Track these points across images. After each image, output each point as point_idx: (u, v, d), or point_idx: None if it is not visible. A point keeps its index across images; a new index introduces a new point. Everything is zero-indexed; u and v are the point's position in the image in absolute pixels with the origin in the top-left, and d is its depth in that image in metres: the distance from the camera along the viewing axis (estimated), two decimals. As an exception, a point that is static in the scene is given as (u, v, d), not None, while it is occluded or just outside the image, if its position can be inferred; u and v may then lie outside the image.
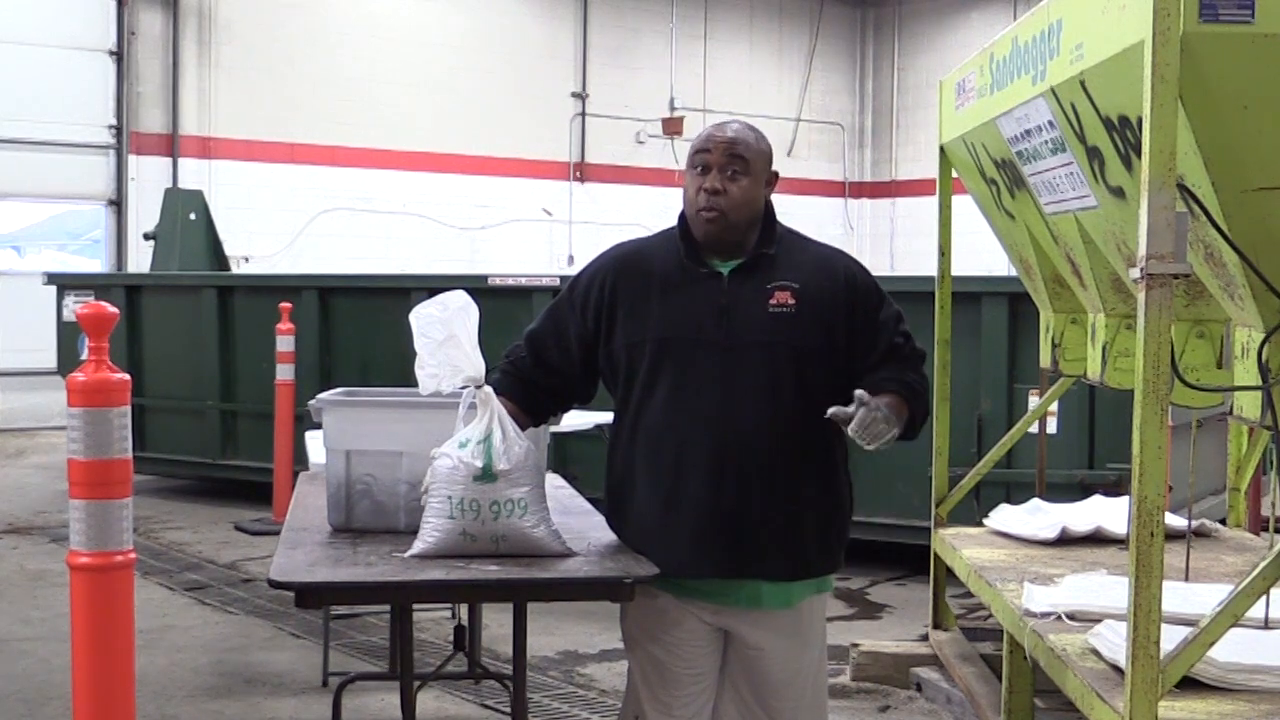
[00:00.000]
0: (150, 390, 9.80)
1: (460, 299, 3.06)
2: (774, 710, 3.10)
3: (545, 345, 3.19)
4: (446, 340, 3.02)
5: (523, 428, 3.09)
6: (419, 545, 2.97)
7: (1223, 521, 5.26)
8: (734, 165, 3.01)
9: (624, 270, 3.11)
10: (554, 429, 3.38)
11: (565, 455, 7.51)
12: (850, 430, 2.90)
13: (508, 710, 4.33)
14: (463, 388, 3.02)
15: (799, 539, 3.04)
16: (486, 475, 2.94)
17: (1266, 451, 5.34)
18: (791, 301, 2.99)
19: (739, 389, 2.97)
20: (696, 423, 2.97)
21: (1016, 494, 6.12)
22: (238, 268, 14.28)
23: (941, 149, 5.29)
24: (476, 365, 3.02)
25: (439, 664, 4.66)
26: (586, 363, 3.16)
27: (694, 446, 2.97)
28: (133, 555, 2.88)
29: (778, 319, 2.98)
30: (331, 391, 3.58)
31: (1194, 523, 4.71)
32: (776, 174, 3.12)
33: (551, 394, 3.20)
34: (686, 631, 3.07)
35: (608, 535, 3.18)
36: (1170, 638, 2.89)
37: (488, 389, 3.03)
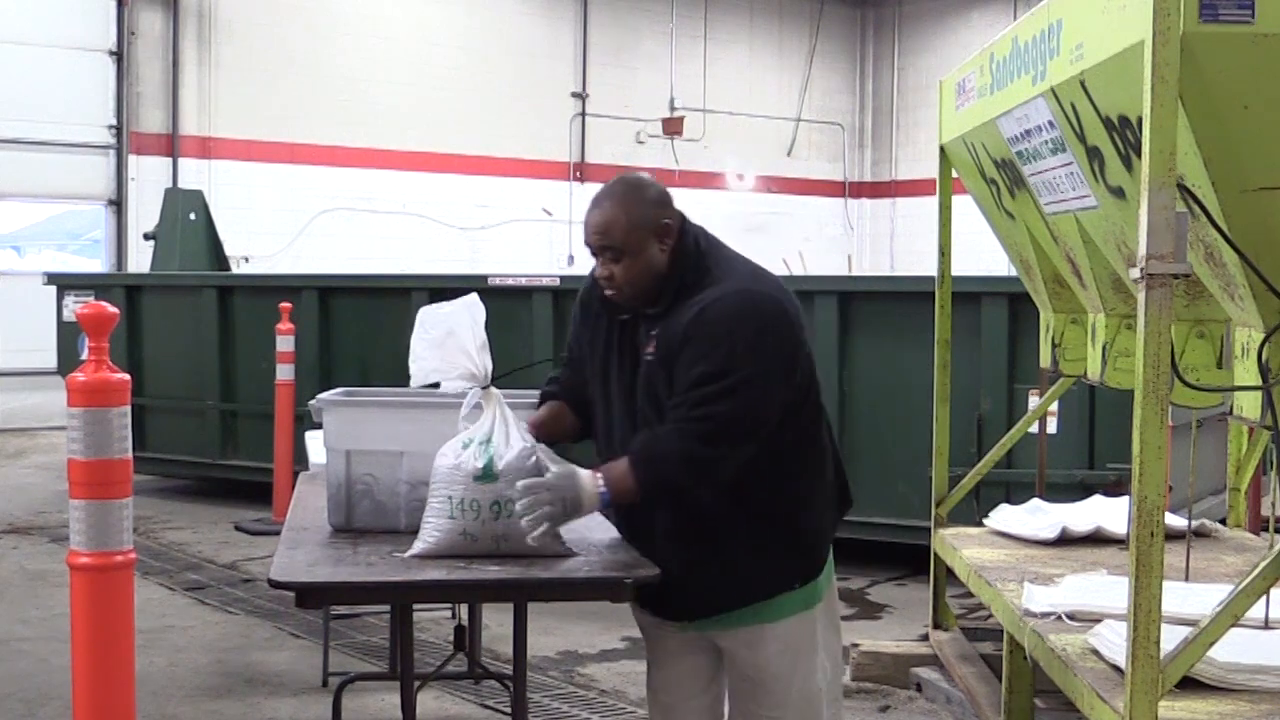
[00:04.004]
0: (150, 390, 9.80)
1: (470, 300, 3.07)
2: (752, 714, 3.07)
3: (573, 356, 3.26)
4: (447, 337, 3.02)
5: (575, 433, 3.17)
6: (419, 545, 2.98)
7: (1223, 521, 5.26)
8: (608, 253, 2.98)
9: (582, 303, 3.20)
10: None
11: (565, 456, 7.50)
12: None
13: (508, 710, 4.33)
14: (468, 388, 3.03)
15: (700, 581, 2.97)
16: (487, 475, 2.95)
17: (1266, 451, 5.34)
18: (651, 350, 2.96)
19: (623, 437, 3.02)
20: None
21: (1016, 494, 6.12)
22: (238, 268, 14.28)
23: (941, 149, 5.29)
24: (481, 365, 3.03)
25: (439, 664, 4.66)
26: None
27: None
28: (133, 555, 2.88)
29: (647, 367, 2.97)
30: (331, 391, 3.58)
31: (1194, 523, 4.71)
32: (668, 225, 2.98)
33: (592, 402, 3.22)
34: (659, 641, 3.15)
35: (608, 535, 3.18)
36: (1170, 638, 2.89)
37: (493, 390, 3.03)
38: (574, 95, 19.00)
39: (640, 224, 2.97)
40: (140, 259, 14.63)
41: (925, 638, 5.44)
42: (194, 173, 15.81)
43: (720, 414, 2.81)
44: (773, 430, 2.89)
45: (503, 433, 2.99)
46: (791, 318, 2.95)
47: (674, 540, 2.96)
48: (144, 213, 14.86)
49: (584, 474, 2.91)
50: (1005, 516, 5.07)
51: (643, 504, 2.93)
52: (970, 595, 4.90)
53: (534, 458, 3.00)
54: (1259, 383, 2.97)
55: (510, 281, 8.41)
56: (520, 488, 2.86)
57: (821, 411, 3.08)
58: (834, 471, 3.10)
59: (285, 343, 8.48)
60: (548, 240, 18.44)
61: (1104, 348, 4.17)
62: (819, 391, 3.07)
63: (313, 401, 3.44)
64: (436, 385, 3.10)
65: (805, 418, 3.00)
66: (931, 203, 5.69)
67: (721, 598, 2.99)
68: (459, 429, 3.04)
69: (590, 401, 3.18)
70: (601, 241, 2.98)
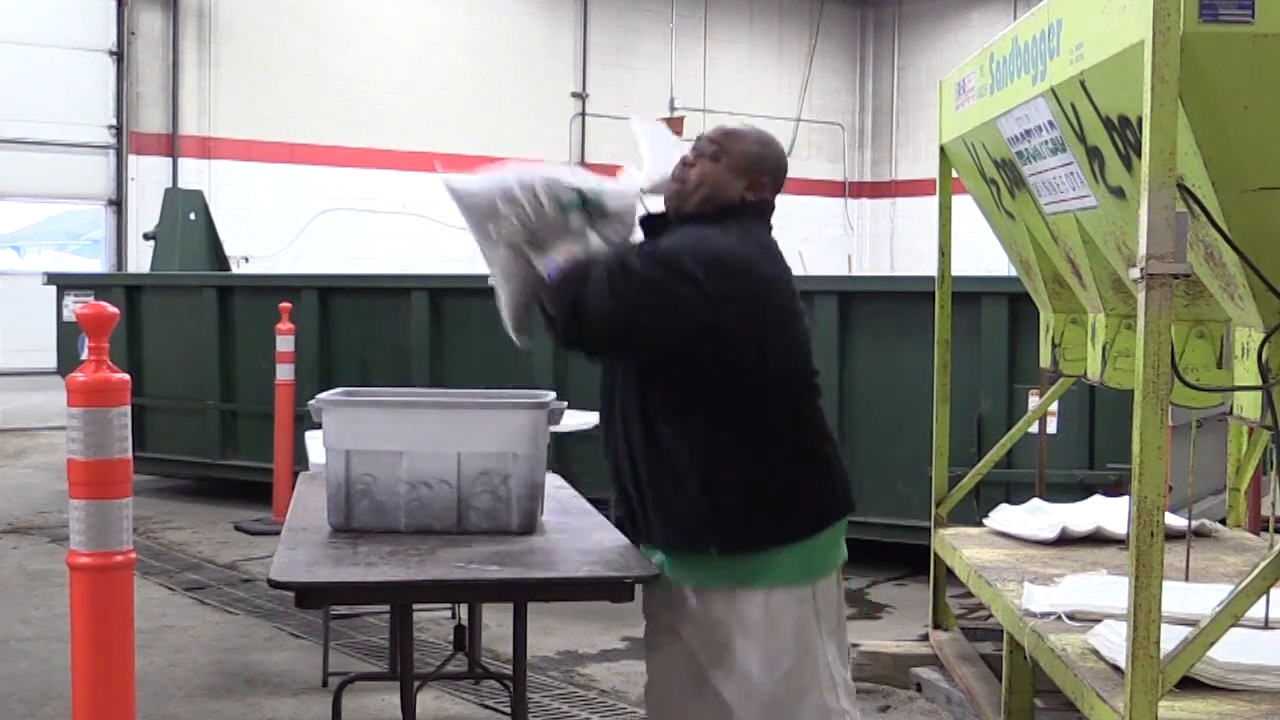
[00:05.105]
0: (150, 390, 9.80)
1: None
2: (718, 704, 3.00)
3: None
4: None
5: None
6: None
7: (1223, 521, 5.26)
8: (711, 146, 3.05)
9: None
10: (554, 429, 3.37)
11: (565, 455, 7.51)
12: None
13: (508, 710, 4.33)
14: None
15: (666, 507, 2.96)
16: (589, 202, 2.96)
17: (1266, 451, 5.34)
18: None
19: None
20: None
21: (1016, 494, 6.12)
22: (238, 268, 14.29)
23: (941, 149, 5.29)
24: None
25: (439, 664, 4.66)
26: None
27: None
28: (133, 555, 2.88)
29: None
30: (331, 391, 3.58)
31: (1194, 523, 4.71)
32: (763, 182, 3.05)
33: None
34: (658, 635, 3.12)
35: (608, 535, 3.18)
36: (1170, 638, 2.89)
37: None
38: (574, 95, 19.01)
39: (753, 158, 3.05)
40: (140, 259, 14.64)
41: (925, 638, 5.44)
42: (194, 173, 15.82)
43: (646, 275, 2.83)
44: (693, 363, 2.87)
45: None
46: (773, 283, 2.94)
47: (689, 460, 2.93)
48: (144, 213, 14.88)
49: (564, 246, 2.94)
50: (1005, 516, 5.07)
51: (554, 298, 2.93)
52: (970, 595, 4.90)
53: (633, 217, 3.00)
54: (1259, 383, 2.97)
55: (510, 281, 8.38)
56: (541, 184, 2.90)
57: (814, 394, 3.04)
58: (830, 459, 3.05)
59: (285, 343, 8.48)
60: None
61: (1104, 348, 4.17)
62: (811, 373, 3.03)
63: (312, 401, 3.44)
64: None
65: (796, 395, 2.98)
66: (931, 203, 5.69)
67: (720, 528, 2.93)
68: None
69: None
70: (716, 138, 3.06)
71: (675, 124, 19.23)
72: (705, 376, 2.90)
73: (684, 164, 3.06)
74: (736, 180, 3.02)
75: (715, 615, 2.96)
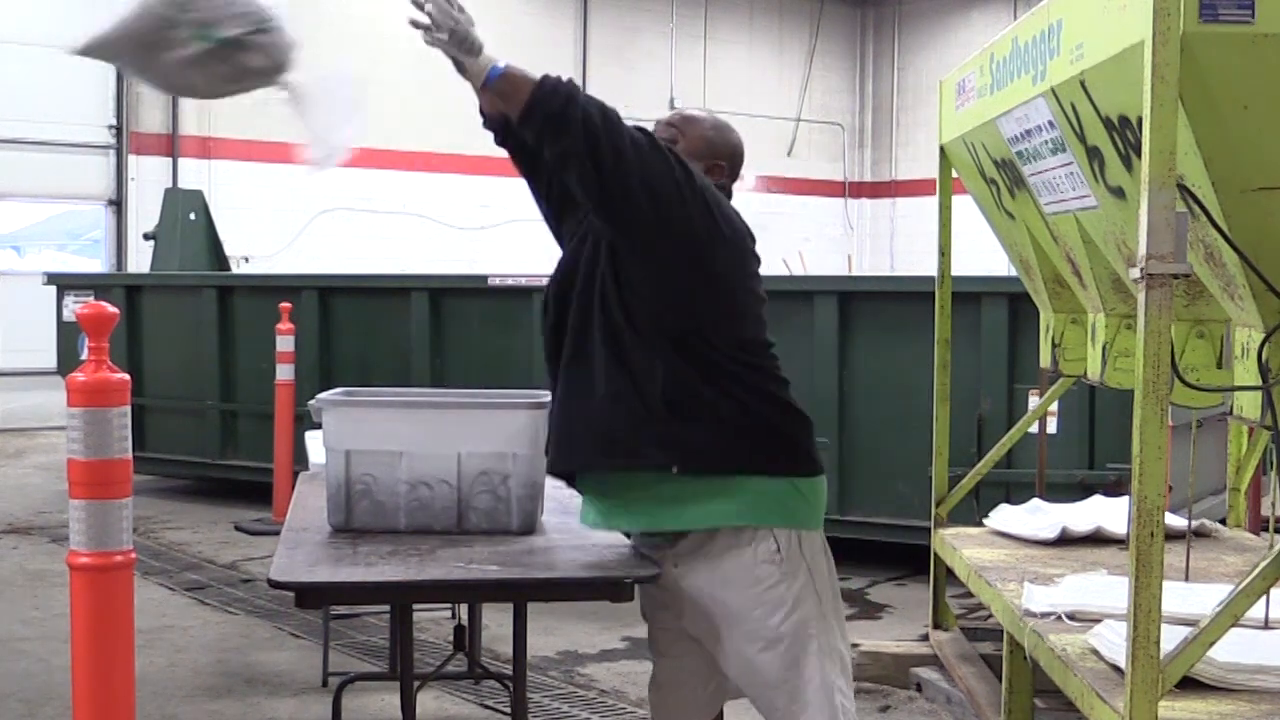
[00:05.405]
0: (150, 390, 9.80)
1: None
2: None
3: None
4: None
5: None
6: None
7: (1223, 521, 5.26)
8: (668, 130, 3.05)
9: None
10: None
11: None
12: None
13: (508, 710, 4.33)
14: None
15: (627, 431, 2.88)
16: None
17: (1266, 451, 5.34)
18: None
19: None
20: None
21: (1016, 494, 6.12)
22: (238, 268, 14.29)
23: (941, 149, 5.29)
24: None
25: (439, 664, 4.66)
26: (557, 196, 3.25)
27: None
28: (133, 555, 2.88)
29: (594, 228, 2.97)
30: (331, 391, 3.58)
31: (1194, 523, 4.71)
32: (720, 167, 3.04)
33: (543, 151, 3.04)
34: (661, 634, 3.11)
35: (609, 536, 3.18)
36: (1170, 638, 2.89)
37: None
38: (574, 95, 19.02)
39: (709, 142, 3.06)
40: (140, 259, 14.64)
41: (925, 638, 5.44)
42: (194, 173, 15.83)
43: (637, 136, 2.77)
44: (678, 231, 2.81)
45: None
46: (735, 222, 2.92)
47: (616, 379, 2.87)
48: (144, 213, 14.88)
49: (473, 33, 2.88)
50: (1005, 516, 5.07)
51: (521, 119, 2.79)
52: (970, 595, 4.90)
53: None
54: (1259, 383, 2.97)
55: (510, 281, 8.39)
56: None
57: (764, 351, 2.98)
58: (798, 412, 2.98)
59: (285, 343, 8.48)
60: (548, 240, 18.43)
61: (1104, 348, 4.17)
62: (762, 332, 2.99)
63: (312, 401, 3.44)
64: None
65: (744, 341, 2.93)
66: (931, 203, 5.69)
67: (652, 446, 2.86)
68: None
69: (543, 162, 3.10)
70: (673, 122, 3.08)
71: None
72: (674, 298, 2.84)
73: None
74: (693, 164, 2.97)
75: (699, 583, 2.91)
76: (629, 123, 2.80)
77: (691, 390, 2.86)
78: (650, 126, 3.02)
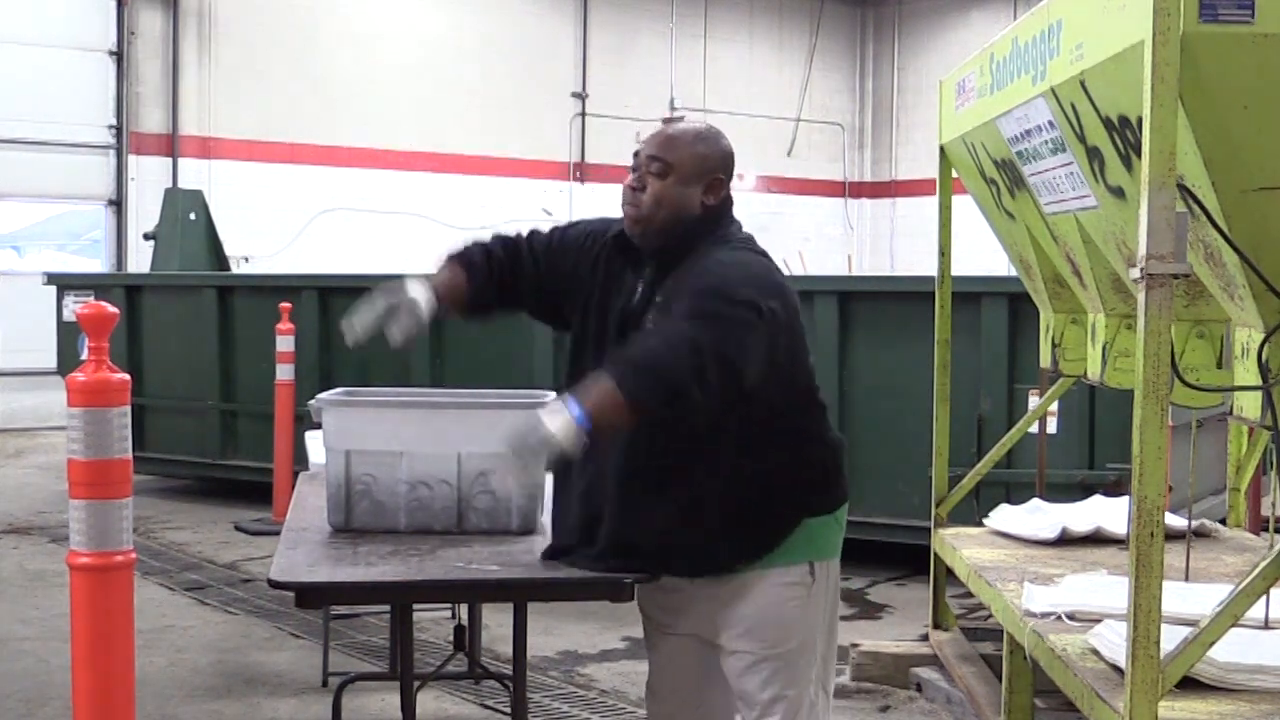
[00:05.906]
0: (150, 390, 9.80)
1: None
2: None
3: (536, 242, 3.10)
4: None
5: (468, 300, 3.16)
6: None
7: (1223, 521, 5.26)
8: (656, 165, 2.92)
9: (590, 235, 3.10)
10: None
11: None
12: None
13: (508, 710, 4.33)
14: None
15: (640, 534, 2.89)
16: None
17: (1266, 451, 5.34)
18: (660, 298, 2.88)
19: None
20: None
21: (1016, 494, 6.12)
22: (238, 268, 14.28)
23: (941, 149, 5.29)
24: None
25: (439, 664, 4.66)
26: (549, 291, 3.12)
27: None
28: (133, 555, 2.88)
29: (657, 308, 2.86)
30: (331, 391, 3.58)
31: (1194, 523, 4.71)
32: (720, 181, 2.96)
33: (507, 273, 3.09)
34: (659, 642, 3.12)
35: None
36: (1170, 638, 2.89)
37: None
38: (574, 95, 19.00)
39: (702, 159, 2.94)
40: (140, 259, 14.63)
41: (925, 638, 5.44)
42: (194, 173, 15.81)
43: (725, 312, 2.66)
44: (758, 391, 2.75)
45: None
46: (789, 297, 2.87)
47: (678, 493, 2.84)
48: (144, 213, 14.86)
49: (538, 413, 2.62)
50: (1005, 516, 5.07)
51: (640, 429, 2.69)
52: (970, 595, 4.90)
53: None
54: (1259, 383, 2.97)
55: (510, 281, 8.38)
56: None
57: (814, 396, 3.00)
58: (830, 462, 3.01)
59: (285, 343, 8.48)
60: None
61: (1104, 348, 4.17)
62: (812, 380, 3.00)
63: (312, 401, 3.44)
64: None
65: (799, 398, 2.94)
66: (931, 203, 5.69)
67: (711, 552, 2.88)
68: None
69: (516, 278, 3.08)
70: (658, 152, 2.91)
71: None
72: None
73: (631, 188, 2.93)
74: (692, 189, 2.92)
75: (711, 592, 2.93)
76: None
77: (746, 483, 2.84)
78: (646, 132, 3.00)
